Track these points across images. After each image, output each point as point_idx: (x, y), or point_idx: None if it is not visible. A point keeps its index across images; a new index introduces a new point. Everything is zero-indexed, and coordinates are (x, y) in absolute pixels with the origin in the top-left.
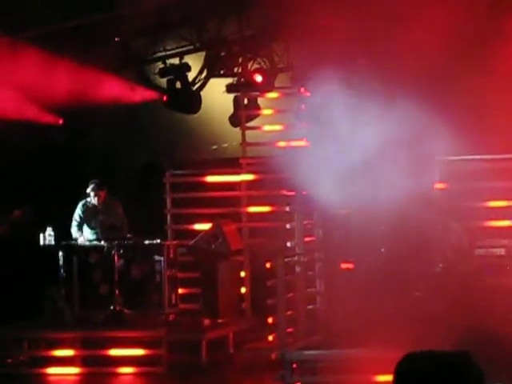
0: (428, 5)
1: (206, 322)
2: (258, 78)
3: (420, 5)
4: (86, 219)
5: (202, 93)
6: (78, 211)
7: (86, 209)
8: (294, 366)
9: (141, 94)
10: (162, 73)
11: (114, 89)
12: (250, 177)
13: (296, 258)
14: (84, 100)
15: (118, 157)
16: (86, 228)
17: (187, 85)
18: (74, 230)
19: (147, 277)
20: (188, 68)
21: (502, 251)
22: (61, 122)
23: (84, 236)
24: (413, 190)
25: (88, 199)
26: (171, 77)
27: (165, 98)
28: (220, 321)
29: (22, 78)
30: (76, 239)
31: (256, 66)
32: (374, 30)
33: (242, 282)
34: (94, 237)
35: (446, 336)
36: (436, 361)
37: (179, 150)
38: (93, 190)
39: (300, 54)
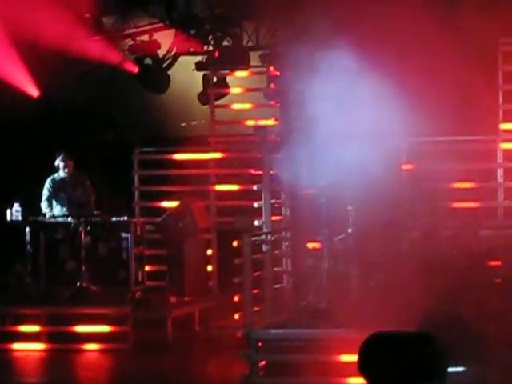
0: None
1: (173, 299)
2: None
3: None
4: (55, 193)
5: (171, 71)
6: (47, 185)
7: (55, 183)
8: (260, 344)
9: (114, 60)
10: (132, 50)
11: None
12: (218, 155)
13: (263, 237)
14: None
15: (83, 132)
16: (55, 204)
17: (157, 62)
18: (43, 205)
19: (114, 254)
20: (158, 45)
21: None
22: (36, 95)
23: (53, 211)
24: (380, 170)
25: (56, 174)
26: (140, 54)
27: (136, 69)
28: (186, 298)
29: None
30: (45, 214)
31: (226, 43)
32: (346, 10)
33: (208, 260)
34: (62, 212)
35: (411, 317)
36: (400, 342)
37: (148, 126)
38: (62, 160)
39: (270, 34)
